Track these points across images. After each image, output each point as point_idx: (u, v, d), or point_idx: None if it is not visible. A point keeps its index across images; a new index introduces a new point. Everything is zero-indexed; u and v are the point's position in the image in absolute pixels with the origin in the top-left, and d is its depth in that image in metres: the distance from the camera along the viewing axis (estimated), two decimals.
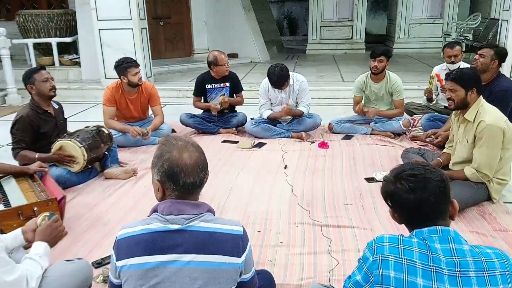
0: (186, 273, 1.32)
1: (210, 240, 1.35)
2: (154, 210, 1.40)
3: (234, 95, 4.83)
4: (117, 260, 1.36)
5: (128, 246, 1.34)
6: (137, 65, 4.23)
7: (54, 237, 1.84)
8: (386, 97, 4.56)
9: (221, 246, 1.35)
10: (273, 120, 4.64)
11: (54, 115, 3.50)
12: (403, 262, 1.23)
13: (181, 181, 1.36)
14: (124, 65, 4.16)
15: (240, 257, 1.37)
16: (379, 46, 4.50)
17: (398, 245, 1.27)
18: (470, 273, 1.19)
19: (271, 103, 4.65)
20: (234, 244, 1.38)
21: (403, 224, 1.41)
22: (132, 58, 4.32)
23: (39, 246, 1.76)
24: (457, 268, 1.20)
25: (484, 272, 1.19)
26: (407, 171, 1.34)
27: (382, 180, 3.32)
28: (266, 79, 4.56)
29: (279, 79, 4.34)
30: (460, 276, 1.19)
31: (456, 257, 1.22)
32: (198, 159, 1.39)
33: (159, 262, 1.32)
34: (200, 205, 1.41)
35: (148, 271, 1.31)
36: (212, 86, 4.74)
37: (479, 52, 3.73)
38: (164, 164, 1.37)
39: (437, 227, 1.28)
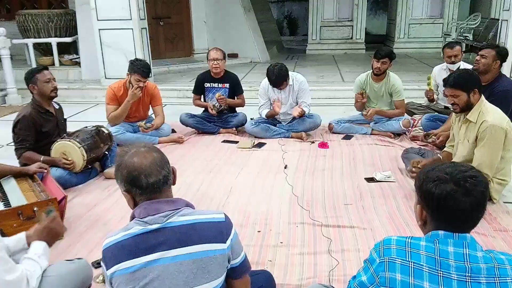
0: (173, 268, 1.32)
1: (192, 231, 1.35)
2: (133, 217, 1.41)
3: (235, 97, 4.83)
4: (107, 269, 1.37)
5: (113, 254, 1.35)
6: (144, 75, 4.15)
7: (52, 236, 1.84)
8: (386, 97, 4.55)
9: (204, 234, 1.36)
10: (269, 118, 4.63)
11: (55, 115, 3.50)
12: (410, 265, 1.22)
13: (143, 183, 1.37)
14: (134, 68, 4.14)
15: (225, 243, 1.38)
16: (384, 47, 4.48)
17: (405, 248, 1.25)
18: (481, 279, 1.18)
19: (271, 103, 4.65)
20: (217, 230, 1.38)
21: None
22: (146, 67, 4.18)
23: (38, 246, 1.76)
24: (468, 273, 1.19)
25: (496, 279, 1.18)
26: (465, 172, 1.24)
27: (382, 180, 3.28)
28: (266, 79, 4.56)
29: (277, 78, 4.33)
30: (470, 282, 1.18)
31: (468, 263, 1.20)
32: (154, 158, 1.40)
33: (145, 262, 1.32)
34: (176, 201, 1.42)
35: (135, 273, 1.32)
36: (211, 85, 4.75)
37: (480, 53, 3.72)
38: (123, 172, 1.39)
39: (455, 233, 1.24)
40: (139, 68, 4.13)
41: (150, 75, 4.29)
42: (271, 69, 4.36)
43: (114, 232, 1.39)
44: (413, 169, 3.17)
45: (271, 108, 4.64)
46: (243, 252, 1.49)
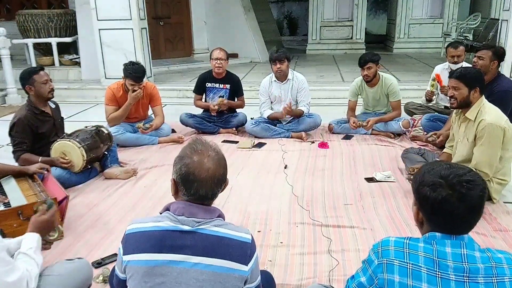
0: (193, 274, 1.32)
1: (219, 244, 1.35)
2: (167, 209, 1.41)
3: (235, 98, 4.83)
4: (124, 254, 1.37)
5: (137, 242, 1.35)
6: (136, 80, 4.11)
7: (48, 230, 1.85)
8: (383, 99, 4.55)
9: (230, 251, 1.35)
10: (273, 120, 4.64)
11: (52, 115, 3.49)
12: (408, 267, 1.22)
13: (193, 190, 1.37)
14: (126, 73, 4.14)
15: (247, 265, 1.37)
16: (364, 53, 4.49)
17: (404, 249, 1.25)
18: (479, 279, 1.18)
19: (271, 102, 4.66)
20: (242, 251, 1.37)
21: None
22: (138, 71, 4.13)
23: (32, 239, 1.74)
24: (466, 273, 1.19)
25: (493, 278, 1.18)
26: (461, 177, 1.23)
27: (382, 180, 3.27)
28: (267, 77, 4.61)
29: (281, 52, 4.46)
30: (468, 282, 1.18)
31: (466, 263, 1.20)
32: (215, 174, 1.39)
33: (166, 260, 1.32)
34: (212, 210, 1.42)
35: (154, 269, 1.31)
36: (212, 85, 4.75)
37: (477, 54, 3.73)
38: (182, 168, 1.38)
39: (452, 235, 1.24)
40: (130, 73, 4.10)
41: (144, 78, 4.21)
42: (273, 49, 4.58)
43: (143, 219, 1.40)
44: (411, 177, 3.17)
45: (271, 107, 4.65)
46: (259, 277, 1.47)
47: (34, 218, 1.83)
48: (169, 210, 1.40)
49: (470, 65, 3.96)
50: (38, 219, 1.82)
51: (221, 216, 1.43)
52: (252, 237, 1.43)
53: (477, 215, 1.25)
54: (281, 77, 4.53)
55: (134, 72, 4.11)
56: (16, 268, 1.55)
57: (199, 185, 1.36)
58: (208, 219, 1.38)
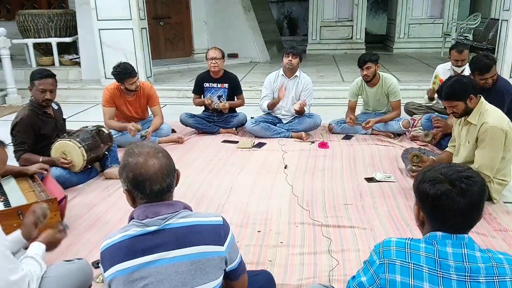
0: (172, 269, 1.32)
1: (190, 233, 1.36)
2: (131, 218, 1.41)
3: (235, 97, 4.83)
4: (104, 271, 1.37)
5: (111, 255, 1.35)
6: (133, 76, 4.16)
7: (54, 246, 1.90)
8: (383, 99, 4.55)
9: (202, 236, 1.37)
10: (270, 109, 4.64)
11: (54, 116, 3.49)
12: (410, 267, 1.22)
13: (147, 189, 1.37)
14: (121, 76, 4.14)
15: (223, 245, 1.39)
16: (363, 54, 4.51)
17: (405, 249, 1.26)
18: (481, 278, 1.18)
19: (273, 97, 4.65)
20: (215, 233, 1.39)
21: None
22: (128, 68, 4.15)
23: (39, 247, 1.78)
24: (467, 273, 1.19)
25: (495, 278, 1.18)
26: (460, 173, 1.24)
27: (382, 180, 3.27)
28: (274, 72, 4.67)
29: (296, 48, 4.57)
30: (470, 281, 1.19)
31: (467, 263, 1.20)
32: (162, 165, 1.38)
33: (142, 263, 1.32)
34: (174, 204, 1.42)
35: (133, 274, 1.32)
36: (210, 85, 4.75)
37: (489, 76, 3.57)
38: (128, 175, 1.37)
39: (453, 235, 1.25)
40: (124, 74, 4.11)
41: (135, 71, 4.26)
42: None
43: (112, 234, 1.39)
44: (413, 167, 3.17)
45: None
46: (239, 254, 1.50)
47: (49, 234, 1.88)
48: (134, 218, 1.40)
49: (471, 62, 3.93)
50: (51, 235, 1.88)
51: (186, 207, 1.44)
52: (223, 219, 1.45)
53: (477, 212, 1.25)
54: (289, 71, 4.53)
55: (124, 70, 4.13)
56: (19, 267, 1.56)
57: (151, 182, 1.36)
58: (173, 212, 1.38)
